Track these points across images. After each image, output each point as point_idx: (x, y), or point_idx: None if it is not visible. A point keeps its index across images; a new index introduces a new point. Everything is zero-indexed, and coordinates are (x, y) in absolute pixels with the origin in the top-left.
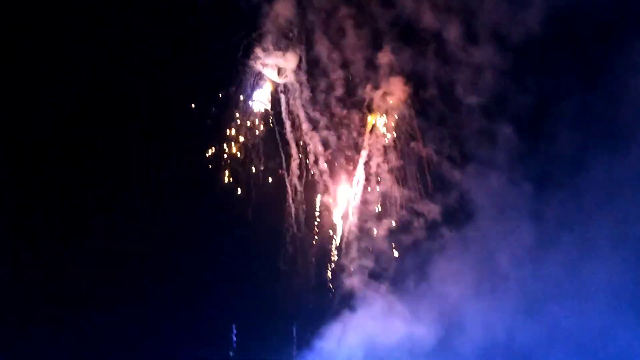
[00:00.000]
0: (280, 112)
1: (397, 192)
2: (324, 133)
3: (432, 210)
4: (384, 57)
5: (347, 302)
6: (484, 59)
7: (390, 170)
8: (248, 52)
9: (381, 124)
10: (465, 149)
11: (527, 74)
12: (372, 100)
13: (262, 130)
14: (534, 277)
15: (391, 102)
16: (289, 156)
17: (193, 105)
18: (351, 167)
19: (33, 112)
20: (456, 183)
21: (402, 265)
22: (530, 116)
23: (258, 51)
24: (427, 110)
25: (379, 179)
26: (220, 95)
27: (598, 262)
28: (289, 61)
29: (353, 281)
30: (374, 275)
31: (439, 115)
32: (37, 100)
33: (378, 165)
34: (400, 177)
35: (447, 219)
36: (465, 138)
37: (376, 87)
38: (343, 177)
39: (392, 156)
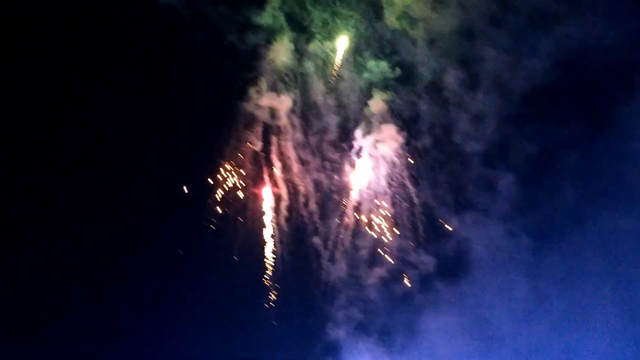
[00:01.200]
0: (270, 153)
1: (389, 239)
2: (315, 175)
3: (426, 261)
4: (376, 105)
5: (331, 353)
6: (484, 105)
7: (383, 216)
8: (242, 93)
9: (373, 169)
10: (462, 197)
11: (530, 121)
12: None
13: (251, 170)
14: (528, 337)
15: (383, 148)
16: (278, 197)
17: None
18: (342, 211)
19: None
20: (452, 232)
21: (392, 318)
22: (532, 165)
23: (252, 92)
24: (422, 156)
25: (371, 225)
26: (213, 132)
27: (592, 327)
28: (283, 103)
29: (339, 332)
30: (362, 327)
31: (436, 161)
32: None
33: (370, 211)
34: (393, 224)
35: (441, 271)
36: (463, 185)
37: (368, 132)
38: (333, 220)
39: (385, 201)
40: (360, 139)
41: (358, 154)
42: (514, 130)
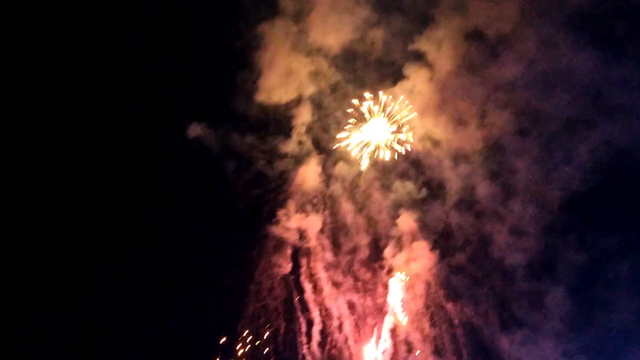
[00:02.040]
0: (299, 276)
1: None
2: (348, 296)
3: None
4: (406, 223)
5: None
6: (522, 216)
7: (423, 339)
8: (271, 216)
9: (407, 288)
10: (508, 314)
11: (573, 230)
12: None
13: (281, 294)
14: None
15: (416, 266)
16: (310, 321)
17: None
18: (378, 334)
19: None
20: (501, 353)
21: None
22: (581, 278)
23: (281, 214)
24: (458, 272)
25: (411, 349)
26: (242, 256)
27: None
28: (312, 225)
29: None
30: None
31: (474, 277)
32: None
33: (408, 334)
34: (435, 347)
35: None
36: (507, 301)
37: (399, 251)
38: (369, 345)
39: (424, 323)
40: (390, 258)
41: (390, 273)
42: (558, 240)
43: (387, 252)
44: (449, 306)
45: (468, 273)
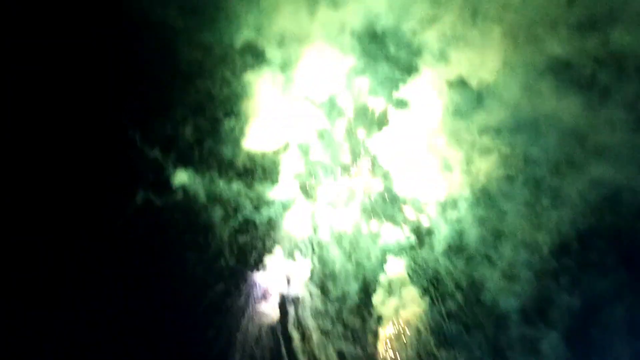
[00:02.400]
0: (287, 324)
1: None
2: (337, 345)
3: None
4: (393, 270)
5: None
6: (513, 261)
7: None
8: (258, 263)
9: (397, 336)
10: None
11: (566, 274)
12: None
13: (269, 343)
14: None
15: (405, 314)
16: None
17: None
18: None
19: None
20: None
21: None
22: (576, 322)
23: (267, 261)
24: (449, 319)
25: None
26: (227, 304)
27: None
28: (300, 271)
29: None
30: None
31: (466, 324)
32: None
33: None
34: None
35: None
36: (502, 348)
37: (389, 296)
38: None
39: None
40: (379, 305)
41: (379, 321)
42: (550, 284)
43: (376, 299)
44: (441, 354)
45: (460, 319)
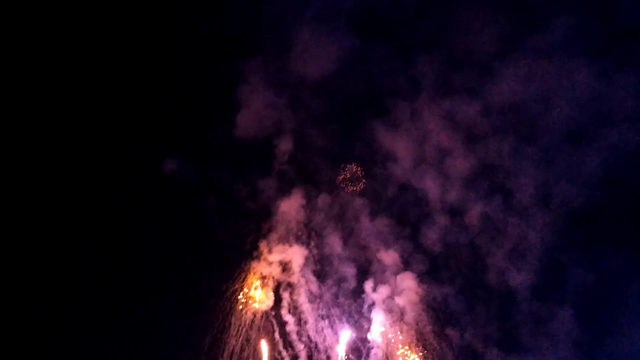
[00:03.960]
0: (282, 309)
1: None
2: (334, 329)
3: None
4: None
5: None
6: (527, 234)
7: None
8: (253, 249)
9: (398, 318)
10: (512, 339)
11: (579, 247)
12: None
13: (265, 328)
14: None
15: (407, 293)
16: (295, 356)
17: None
18: None
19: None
20: None
21: None
22: (590, 299)
23: (263, 247)
24: (459, 295)
25: None
26: (223, 291)
27: None
28: (295, 257)
29: None
30: None
31: (476, 300)
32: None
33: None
34: None
35: None
36: (511, 325)
37: (384, 283)
38: None
39: (416, 351)
40: (378, 287)
41: (377, 304)
42: (563, 259)
43: (374, 281)
44: (447, 332)
45: (466, 297)
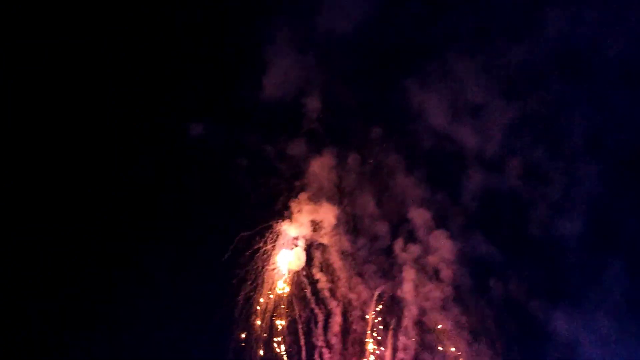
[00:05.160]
0: (314, 268)
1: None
2: (367, 287)
3: None
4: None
5: None
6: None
7: (455, 324)
8: (284, 209)
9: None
10: (560, 291)
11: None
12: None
13: (296, 286)
14: None
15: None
16: (328, 312)
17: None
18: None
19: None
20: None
21: None
22: None
23: (294, 206)
24: (502, 245)
25: (441, 339)
26: (255, 249)
27: None
28: (326, 216)
29: None
30: None
31: (521, 250)
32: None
33: (438, 323)
34: (471, 331)
35: None
36: (559, 276)
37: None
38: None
39: (454, 307)
40: (412, 244)
41: (411, 261)
42: (615, 207)
43: (408, 239)
44: (488, 283)
45: (509, 250)
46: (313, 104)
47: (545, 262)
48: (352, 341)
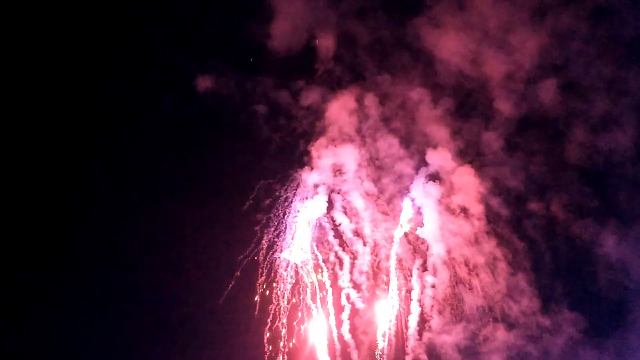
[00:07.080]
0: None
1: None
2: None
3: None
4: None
5: None
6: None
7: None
8: (303, 155)
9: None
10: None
11: None
12: None
13: (318, 231)
14: None
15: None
16: (353, 253)
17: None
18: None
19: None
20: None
21: None
22: None
23: (314, 151)
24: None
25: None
26: (277, 195)
27: None
28: (347, 160)
29: None
30: None
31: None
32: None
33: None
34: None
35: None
36: (607, 194)
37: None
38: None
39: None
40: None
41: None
42: None
43: (434, 176)
44: (529, 207)
45: (550, 171)
46: (326, 43)
47: (590, 180)
48: (378, 281)
